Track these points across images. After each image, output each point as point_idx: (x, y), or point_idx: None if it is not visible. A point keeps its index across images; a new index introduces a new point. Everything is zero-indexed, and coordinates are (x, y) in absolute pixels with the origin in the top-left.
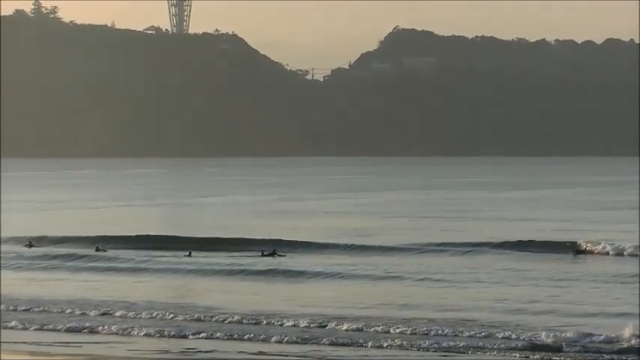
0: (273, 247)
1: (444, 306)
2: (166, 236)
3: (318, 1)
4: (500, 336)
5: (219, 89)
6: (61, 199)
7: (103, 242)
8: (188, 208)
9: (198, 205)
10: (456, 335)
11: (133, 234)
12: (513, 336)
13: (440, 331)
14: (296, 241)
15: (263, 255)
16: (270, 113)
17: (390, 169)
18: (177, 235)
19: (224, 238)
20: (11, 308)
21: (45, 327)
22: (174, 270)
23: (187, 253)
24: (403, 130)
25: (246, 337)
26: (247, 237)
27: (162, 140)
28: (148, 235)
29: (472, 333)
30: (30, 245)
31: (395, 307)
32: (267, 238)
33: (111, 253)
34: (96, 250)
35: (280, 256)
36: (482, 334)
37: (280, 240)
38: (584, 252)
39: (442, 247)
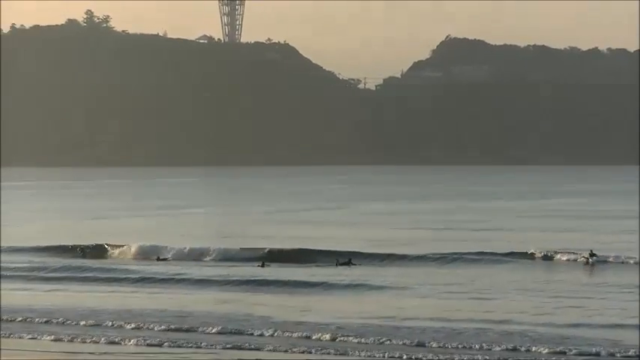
0: (348, 257)
1: None
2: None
3: (369, 10)
4: None
5: (270, 98)
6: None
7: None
8: (253, 217)
9: (259, 214)
10: None
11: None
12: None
13: None
14: (364, 253)
15: (338, 265)
16: (321, 122)
17: (446, 177)
18: (251, 246)
19: (297, 249)
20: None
21: None
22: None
23: (260, 264)
24: (455, 139)
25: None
26: (320, 248)
27: (214, 149)
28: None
29: None
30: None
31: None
32: (337, 249)
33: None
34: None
35: (354, 265)
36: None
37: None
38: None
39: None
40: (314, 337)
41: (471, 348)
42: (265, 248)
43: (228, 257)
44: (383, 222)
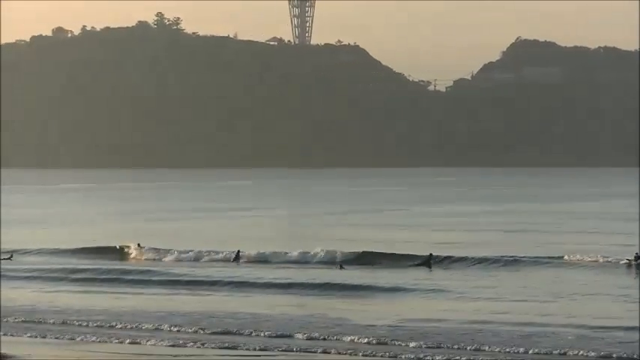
0: (427, 257)
1: None
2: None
3: (440, 12)
4: None
5: (340, 100)
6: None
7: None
8: (323, 220)
9: (329, 216)
10: None
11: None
12: None
13: None
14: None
15: (417, 265)
16: (392, 124)
17: (519, 179)
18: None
19: (372, 252)
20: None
21: None
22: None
23: (338, 266)
24: (525, 140)
25: None
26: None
27: (283, 151)
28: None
29: None
30: None
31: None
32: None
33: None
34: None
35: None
36: None
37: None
38: None
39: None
40: (397, 343)
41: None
42: (358, 251)
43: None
44: (454, 224)
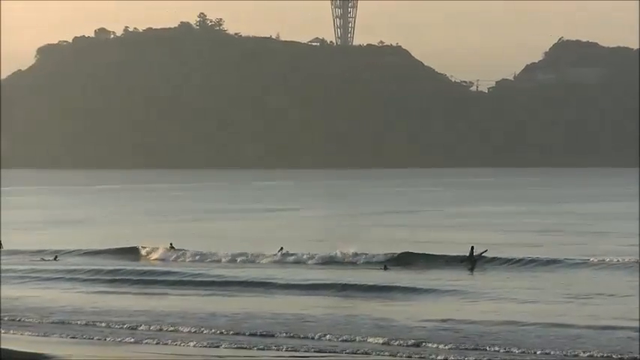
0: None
1: None
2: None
3: (483, 12)
4: None
5: (382, 101)
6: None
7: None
8: (364, 220)
9: (366, 216)
10: None
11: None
12: None
13: None
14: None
15: (464, 261)
16: (434, 125)
17: (561, 180)
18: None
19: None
20: None
21: None
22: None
23: (382, 267)
24: (567, 141)
25: None
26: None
27: (324, 151)
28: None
29: None
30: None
31: None
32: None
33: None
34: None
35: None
36: None
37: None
38: None
39: None
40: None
41: None
42: (399, 252)
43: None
44: (491, 224)
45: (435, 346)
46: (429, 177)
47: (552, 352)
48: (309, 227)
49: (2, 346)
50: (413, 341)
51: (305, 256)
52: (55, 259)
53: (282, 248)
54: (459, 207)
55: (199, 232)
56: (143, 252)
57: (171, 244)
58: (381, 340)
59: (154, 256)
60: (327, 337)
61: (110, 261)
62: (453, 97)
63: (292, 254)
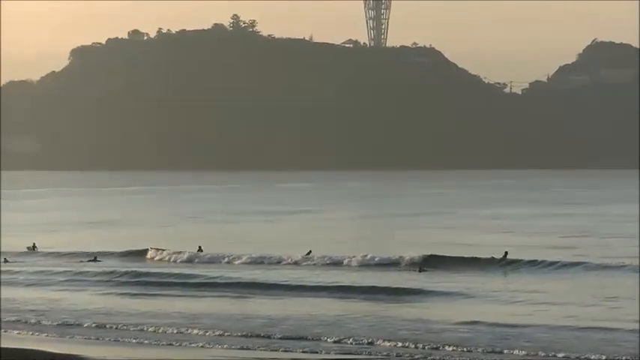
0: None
1: None
2: None
3: (517, 12)
4: None
5: (415, 102)
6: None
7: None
8: (394, 222)
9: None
10: None
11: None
12: None
13: None
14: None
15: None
16: (467, 126)
17: (591, 182)
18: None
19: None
20: None
21: None
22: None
23: (417, 269)
24: (603, 142)
25: None
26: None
27: (355, 152)
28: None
29: None
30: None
31: None
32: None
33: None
34: (419, 272)
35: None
36: None
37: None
38: None
39: None
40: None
41: None
42: (431, 254)
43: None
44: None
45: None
46: (461, 179)
47: (593, 357)
48: (343, 229)
49: (40, 348)
50: (447, 345)
51: (343, 258)
52: (95, 260)
53: (310, 252)
54: (493, 209)
55: (226, 235)
56: (169, 255)
57: (199, 247)
58: (415, 345)
59: (181, 258)
60: (369, 340)
61: (142, 263)
62: (486, 99)
63: (327, 256)
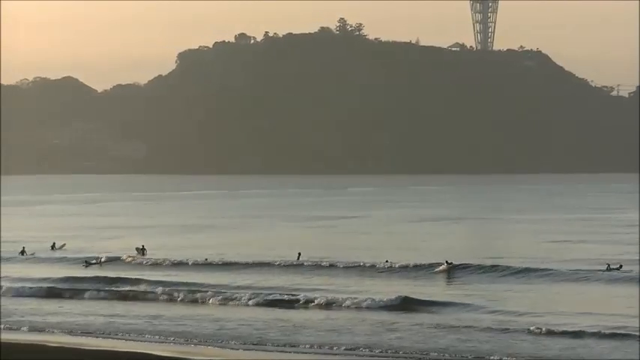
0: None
1: None
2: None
3: (625, 15)
4: None
5: (523, 107)
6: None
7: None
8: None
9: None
10: None
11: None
12: None
13: None
14: None
15: (608, 269)
16: (574, 129)
17: None
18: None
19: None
20: None
21: None
22: None
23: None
24: None
25: None
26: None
27: (469, 154)
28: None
29: None
30: None
31: None
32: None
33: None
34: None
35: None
36: None
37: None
38: None
39: None
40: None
41: None
42: None
43: None
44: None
45: None
46: (579, 182)
47: None
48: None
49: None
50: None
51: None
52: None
53: (387, 261)
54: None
55: (317, 241)
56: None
57: (299, 253)
58: None
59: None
60: None
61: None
62: (593, 102)
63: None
